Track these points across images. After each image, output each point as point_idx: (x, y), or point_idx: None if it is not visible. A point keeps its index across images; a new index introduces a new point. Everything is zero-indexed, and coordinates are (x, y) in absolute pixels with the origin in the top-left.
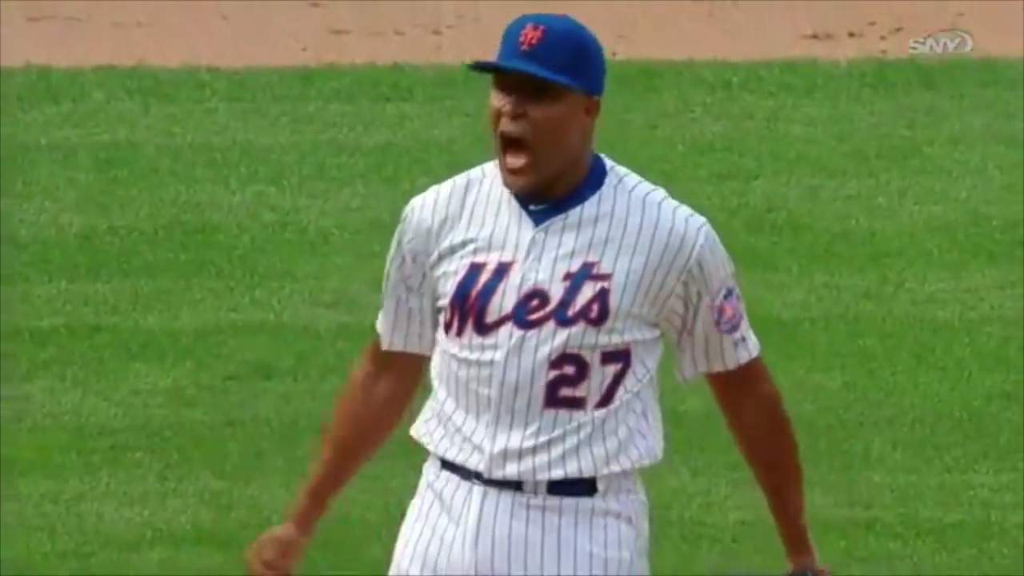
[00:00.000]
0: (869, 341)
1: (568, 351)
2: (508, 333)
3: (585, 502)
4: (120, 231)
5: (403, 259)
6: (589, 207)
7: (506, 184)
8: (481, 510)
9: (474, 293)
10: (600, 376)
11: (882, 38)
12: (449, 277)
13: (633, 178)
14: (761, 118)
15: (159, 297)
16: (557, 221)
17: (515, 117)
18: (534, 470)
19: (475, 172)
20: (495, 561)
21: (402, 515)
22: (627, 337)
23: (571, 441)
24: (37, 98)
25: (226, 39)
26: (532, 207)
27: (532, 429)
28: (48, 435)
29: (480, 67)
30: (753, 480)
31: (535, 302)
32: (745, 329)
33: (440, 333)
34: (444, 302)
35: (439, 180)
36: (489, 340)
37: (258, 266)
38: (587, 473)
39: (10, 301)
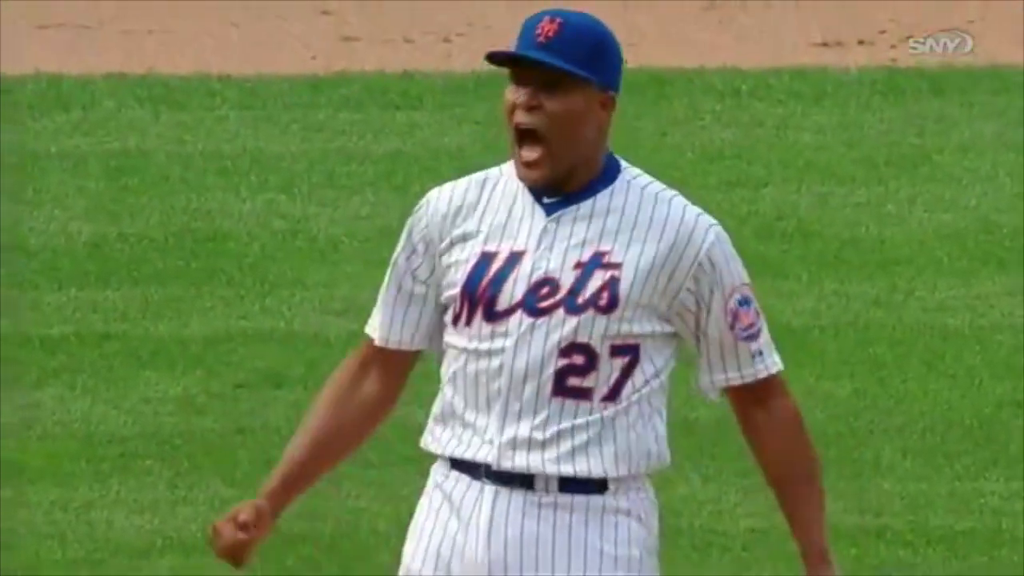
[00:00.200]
0: (879, 349)
1: (578, 340)
2: (518, 321)
3: (596, 500)
4: (130, 239)
5: (414, 248)
6: (601, 199)
7: (521, 177)
8: (493, 510)
9: (485, 282)
10: (608, 368)
11: (892, 46)
12: (460, 265)
13: (646, 177)
14: (771, 126)
15: (169, 305)
16: (569, 212)
17: (530, 109)
18: (543, 462)
19: (493, 170)
20: (508, 560)
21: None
22: (636, 328)
23: (580, 437)
24: (47, 106)
25: (237, 47)
26: (545, 199)
27: (540, 418)
28: (58, 443)
29: (496, 57)
30: (764, 486)
31: (545, 290)
32: (765, 344)
33: (448, 330)
34: (454, 292)
35: None
36: (499, 328)
37: (268, 274)
38: (596, 472)
39: (20, 309)
